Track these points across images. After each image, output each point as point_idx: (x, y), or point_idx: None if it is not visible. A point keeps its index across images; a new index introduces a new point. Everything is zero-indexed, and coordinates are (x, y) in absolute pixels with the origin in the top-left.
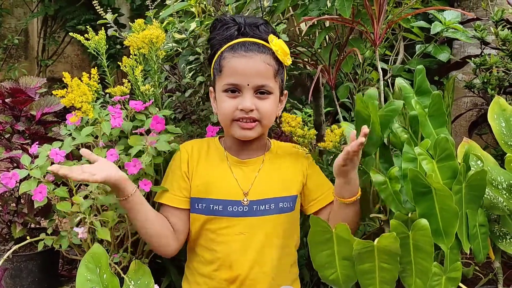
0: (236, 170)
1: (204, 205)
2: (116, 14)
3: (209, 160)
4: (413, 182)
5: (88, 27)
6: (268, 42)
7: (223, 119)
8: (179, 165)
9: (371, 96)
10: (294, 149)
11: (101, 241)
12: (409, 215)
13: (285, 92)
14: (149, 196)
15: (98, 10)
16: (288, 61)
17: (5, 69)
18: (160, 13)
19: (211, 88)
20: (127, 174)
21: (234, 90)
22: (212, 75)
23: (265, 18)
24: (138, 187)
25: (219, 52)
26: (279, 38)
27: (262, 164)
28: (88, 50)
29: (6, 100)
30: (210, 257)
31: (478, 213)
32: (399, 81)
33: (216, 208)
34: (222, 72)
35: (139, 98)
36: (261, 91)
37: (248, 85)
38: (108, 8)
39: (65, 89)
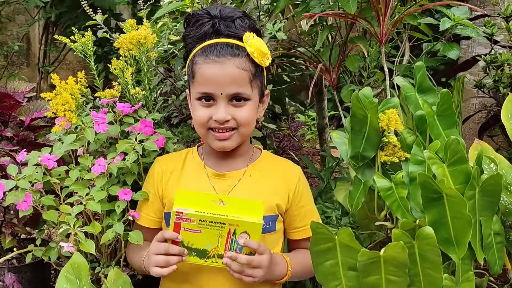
0: (214, 182)
1: None
2: (106, 15)
3: (183, 174)
4: (423, 187)
5: (74, 29)
6: (243, 41)
7: (198, 128)
8: (152, 184)
9: (366, 95)
10: (286, 168)
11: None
12: (417, 222)
13: (267, 92)
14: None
15: (87, 10)
16: (266, 62)
17: (6, 76)
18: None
19: (187, 91)
20: (118, 200)
21: (208, 98)
22: (187, 77)
23: (263, 18)
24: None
25: (191, 55)
26: (258, 32)
27: (242, 177)
28: (75, 53)
29: None
30: (181, 278)
31: (493, 221)
32: (399, 80)
33: None
34: (195, 79)
35: (131, 102)
36: (237, 98)
37: (221, 94)
38: (108, 11)
39: (54, 91)
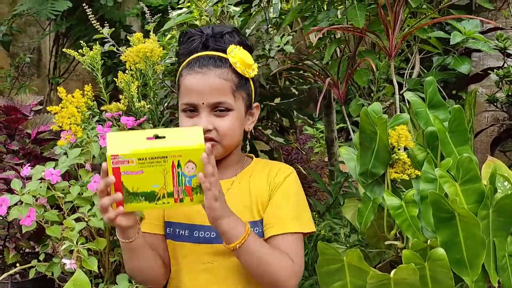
0: None
1: (171, 229)
2: (113, 29)
3: None
4: (435, 206)
5: (82, 42)
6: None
7: None
8: None
9: (375, 111)
10: (275, 167)
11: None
12: (429, 242)
13: (255, 104)
14: None
15: (94, 25)
16: (251, 73)
17: (17, 87)
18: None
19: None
20: None
21: (191, 109)
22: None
23: (271, 31)
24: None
25: (179, 69)
26: (248, 47)
27: (232, 185)
28: (83, 66)
29: (0, 119)
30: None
31: (508, 242)
32: (409, 95)
33: (181, 233)
34: (180, 91)
35: (137, 115)
36: (219, 109)
37: (203, 103)
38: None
39: (60, 104)
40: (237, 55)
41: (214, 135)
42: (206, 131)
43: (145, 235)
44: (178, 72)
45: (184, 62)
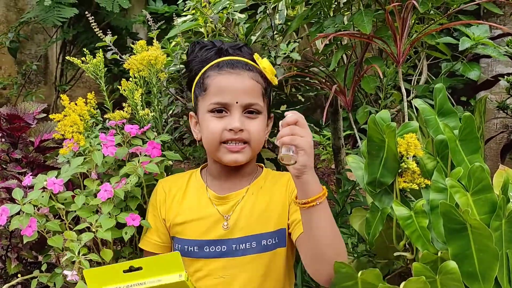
0: (217, 205)
1: (179, 245)
2: (116, 37)
3: (186, 197)
4: (445, 217)
5: (85, 50)
6: (254, 61)
7: (210, 142)
8: (155, 206)
9: (383, 119)
10: (284, 176)
11: None
12: (439, 254)
13: (272, 115)
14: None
15: (97, 32)
16: (275, 80)
17: (24, 94)
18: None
19: (191, 113)
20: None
21: (220, 109)
22: (193, 99)
23: (277, 38)
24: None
25: (201, 72)
26: (274, 56)
27: (245, 196)
28: (86, 74)
29: (3, 127)
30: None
31: None
32: (418, 102)
33: (191, 250)
34: (207, 91)
35: (140, 123)
36: (250, 110)
37: (236, 103)
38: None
39: (63, 112)
40: (264, 62)
41: (246, 136)
42: (238, 131)
43: (148, 254)
44: (199, 75)
45: (210, 64)
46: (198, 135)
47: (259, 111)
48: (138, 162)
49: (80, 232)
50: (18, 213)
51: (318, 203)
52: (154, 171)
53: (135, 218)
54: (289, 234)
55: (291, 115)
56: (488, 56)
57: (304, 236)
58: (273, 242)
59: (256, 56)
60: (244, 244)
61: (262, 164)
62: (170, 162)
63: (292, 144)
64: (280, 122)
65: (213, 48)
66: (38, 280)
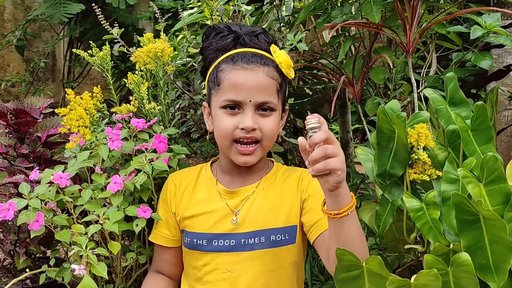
0: (227, 199)
1: (188, 239)
2: (123, 29)
3: (196, 191)
4: (458, 208)
5: (91, 42)
6: (270, 53)
7: (221, 139)
8: (165, 200)
9: (393, 109)
10: (295, 172)
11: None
12: (451, 246)
13: (286, 107)
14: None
15: (104, 25)
16: (291, 74)
17: (32, 91)
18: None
19: (204, 103)
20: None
21: (233, 106)
22: (207, 89)
23: (284, 30)
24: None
25: (215, 63)
26: (280, 48)
27: (255, 190)
28: (93, 67)
29: (10, 122)
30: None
31: None
32: (428, 92)
33: (200, 243)
34: (221, 86)
35: (147, 117)
36: (263, 108)
37: (250, 101)
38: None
39: (68, 106)
40: (281, 55)
41: (259, 135)
42: (251, 130)
43: (158, 247)
44: (213, 66)
45: (224, 56)
46: (210, 127)
47: (272, 108)
48: (145, 158)
49: (87, 224)
50: (25, 208)
51: (349, 213)
52: (161, 168)
53: (146, 210)
54: (302, 233)
55: (320, 133)
56: (499, 47)
57: (328, 241)
58: (282, 238)
59: (273, 48)
60: (252, 239)
61: (273, 159)
62: (183, 156)
63: (327, 169)
64: (304, 143)
65: (229, 35)
66: (46, 274)
